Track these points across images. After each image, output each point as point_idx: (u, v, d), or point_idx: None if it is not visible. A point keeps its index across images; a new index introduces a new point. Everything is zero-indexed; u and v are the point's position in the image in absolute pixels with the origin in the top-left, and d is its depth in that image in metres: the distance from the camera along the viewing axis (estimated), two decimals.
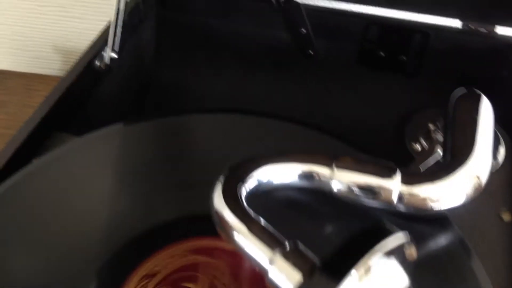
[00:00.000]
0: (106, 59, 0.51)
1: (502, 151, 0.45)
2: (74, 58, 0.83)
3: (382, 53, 0.57)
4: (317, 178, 0.35)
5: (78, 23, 0.77)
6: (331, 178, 0.35)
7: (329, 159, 0.35)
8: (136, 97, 0.60)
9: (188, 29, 0.61)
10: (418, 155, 0.44)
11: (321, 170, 0.35)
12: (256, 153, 0.35)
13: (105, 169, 0.40)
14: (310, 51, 0.59)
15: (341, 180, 0.34)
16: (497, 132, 0.46)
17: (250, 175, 0.33)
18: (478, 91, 0.40)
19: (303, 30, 0.57)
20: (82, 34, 0.79)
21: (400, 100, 0.58)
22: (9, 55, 0.81)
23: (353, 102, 0.59)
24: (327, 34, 0.58)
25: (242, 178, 0.32)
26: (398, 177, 0.34)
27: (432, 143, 0.45)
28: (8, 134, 0.69)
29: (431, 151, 0.43)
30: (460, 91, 0.41)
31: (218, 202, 0.30)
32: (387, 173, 0.34)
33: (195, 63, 0.63)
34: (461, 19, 0.55)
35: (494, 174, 0.43)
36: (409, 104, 0.58)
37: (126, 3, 0.51)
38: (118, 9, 0.50)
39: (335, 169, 0.35)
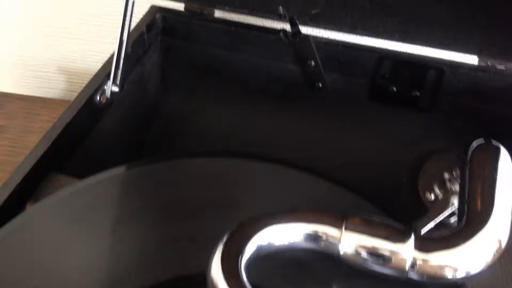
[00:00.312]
0: (108, 93, 0.49)
1: None
2: (77, 80, 0.81)
3: (394, 88, 0.55)
4: (323, 240, 0.33)
5: (81, 44, 0.76)
6: (338, 241, 0.32)
7: (337, 219, 0.33)
8: (138, 131, 0.58)
9: (195, 59, 0.60)
10: (432, 206, 0.42)
11: (328, 231, 0.33)
12: (257, 209, 0.33)
13: (103, 217, 0.38)
14: (319, 84, 0.57)
15: (350, 243, 0.32)
16: None
17: (252, 240, 0.31)
18: (496, 143, 0.38)
19: (312, 62, 0.55)
20: (86, 56, 0.77)
21: (413, 138, 0.56)
22: (9, 76, 0.79)
23: (363, 140, 0.57)
24: (338, 68, 0.56)
25: (242, 246, 0.30)
26: (411, 242, 0.32)
27: (447, 193, 0.42)
28: (10, 162, 0.68)
29: (446, 203, 0.41)
30: (476, 142, 0.39)
31: (216, 275, 0.28)
32: (400, 238, 0.32)
33: (201, 95, 0.61)
34: (478, 56, 0.52)
35: None
36: (423, 143, 0.56)
37: (129, 33, 0.49)
38: (121, 41, 0.49)
39: (344, 231, 0.33)
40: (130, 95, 0.54)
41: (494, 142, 0.38)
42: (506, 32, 0.50)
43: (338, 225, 0.33)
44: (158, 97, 0.61)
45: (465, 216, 0.34)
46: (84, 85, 0.49)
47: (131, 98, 0.55)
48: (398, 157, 0.55)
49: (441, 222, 0.42)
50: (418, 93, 0.55)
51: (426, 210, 0.42)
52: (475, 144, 0.39)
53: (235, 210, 0.38)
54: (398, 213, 0.44)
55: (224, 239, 0.31)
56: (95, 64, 0.52)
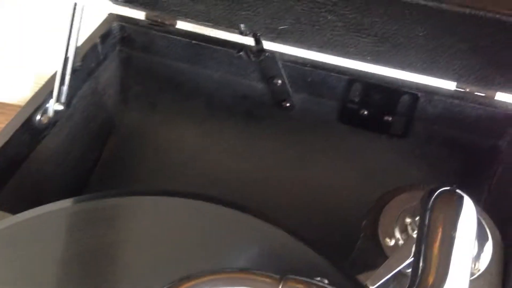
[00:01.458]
0: (50, 112, 0.46)
1: (488, 250, 0.39)
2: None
3: (365, 112, 0.51)
4: None
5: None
6: None
7: (273, 282, 0.30)
8: (91, 150, 0.55)
9: (156, 72, 0.56)
10: (391, 253, 0.38)
11: None
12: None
13: (28, 261, 0.35)
14: (286, 104, 0.53)
15: None
16: (485, 226, 0.40)
17: None
18: (460, 192, 0.34)
19: (279, 81, 0.51)
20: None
21: (381, 165, 0.53)
22: None
23: (327, 165, 0.53)
24: (306, 88, 0.52)
25: None
26: None
27: (407, 241, 0.39)
28: None
29: (406, 252, 0.38)
30: (440, 190, 0.35)
31: None
32: None
33: (162, 109, 0.58)
34: (457, 82, 0.48)
35: (475, 281, 0.38)
36: (392, 170, 0.53)
37: (76, 46, 0.45)
38: (66, 55, 0.45)
39: None
40: (81, 111, 0.51)
41: (457, 192, 0.35)
42: (486, 59, 0.46)
43: None
44: (116, 112, 0.57)
45: (417, 279, 0.31)
46: None
47: (82, 114, 0.51)
48: (364, 187, 0.52)
49: (400, 271, 0.38)
50: (390, 118, 0.51)
51: (385, 258, 0.39)
52: (438, 192, 0.35)
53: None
54: (356, 261, 0.41)
55: None
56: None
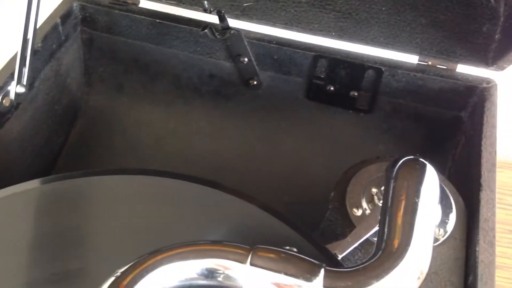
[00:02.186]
0: (12, 95, 0.44)
1: (452, 217, 0.40)
2: None
3: (331, 88, 0.52)
4: (225, 275, 0.30)
5: None
6: (241, 277, 0.29)
7: (242, 252, 0.30)
8: (56, 133, 0.54)
9: (120, 53, 0.55)
10: (358, 223, 0.39)
11: (231, 266, 0.30)
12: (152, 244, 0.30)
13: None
14: (253, 82, 0.53)
15: (253, 279, 0.29)
16: (449, 194, 0.42)
17: (143, 282, 0.27)
18: (422, 161, 0.35)
19: (245, 59, 0.51)
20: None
21: (350, 140, 0.54)
22: None
23: (296, 141, 0.54)
24: (273, 65, 0.52)
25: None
26: (319, 280, 0.29)
27: (374, 209, 0.40)
28: None
29: (372, 221, 0.38)
30: (404, 159, 0.36)
31: None
32: (308, 275, 0.29)
33: (128, 90, 0.57)
34: (419, 55, 0.49)
35: (440, 246, 0.39)
36: (360, 145, 0.54)
37: (36, 27, 0.44)
38: (25, 35, 0.44)
39: (248, 266, 0.30)
40: (44, 94, 0.50)
41: (420, 160, 0.36)
42: (447, 32, 0.47)
43: (242, 259, 0.30)
44: (81, 94, 0.56)
45: (382, 244, 0.32)
46: None
47: (45, 97, 0.50)
48: (332, 162, 0.53)
49: (367, 240, 0.39)
50: (356, 93, 0.52)
51: (353, 228, 0.40)
52: (402, 161, 0.36)
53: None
54: (325, 231, 0.41)
55: (112, 280, 0.28)
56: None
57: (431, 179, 0.35)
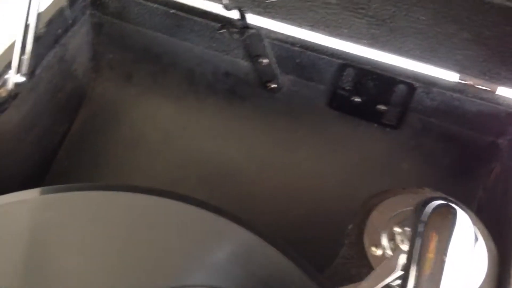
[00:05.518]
0: (10, 85, 0.41)
1: (482, 266, 0.36)
2: None
3: (357, 99, 0.47)
4: None
5: None
6: None
7: None
8: (59, 122, 0.50)
9: (131, 40, 0.51)
10: (376, 264, 0.35)
11: None
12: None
13: None
14: (272, 85, 0.49)
15: None
16: (481, 239, 0.37)
17: None
18: (454, 207, 0.31)
19: (264, 60, 0.47)
20: None
21: (370, 155, 0.49)
22: None
23: (313, 152, 0.49)
24: (295, 69, 0.47)
25: None
26: None
27: (395, 251, 0.35)
28: None
29: (392, 265, 0.34)
30: (435, 203, 0.31)
31: None
32: None
33: (138, 81, 0.53)
34: (459, 73, 0.44)
35: None
36: (381, 162, 0.49)
37: (39, 12, 0.41)
38: (26, 25, 0.40)
39: None
40: (46, 81, 0.46)
41: (452, 206, 0.31)
42: (492, 50, 0.42)
43: None
44: (88, 81, 0.53)
45: None
46: None
47: (48, 84, 0.46)
48: (351, 179, 0.49)
49: (387, 286, 0.36)
50: (383, 108, 0.47)
51: (369, 269, 0.36)
52: (433, 205, 0.32)
53: None
54: (339, 270, 0.38)
55: None
56: None
57: (465, 230, 0.31)
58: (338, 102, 0.48)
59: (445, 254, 0.29)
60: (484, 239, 0.37)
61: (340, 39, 0.45)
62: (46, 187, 0.33)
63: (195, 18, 0.47)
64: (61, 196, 0.33)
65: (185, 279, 0.31)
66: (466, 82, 0.44)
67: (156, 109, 0.54)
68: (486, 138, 0.46)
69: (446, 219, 0.30)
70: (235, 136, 0.52)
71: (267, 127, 0.51)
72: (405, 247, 0.36)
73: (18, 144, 0.46)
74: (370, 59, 0.45)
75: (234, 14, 0.45)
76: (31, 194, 0.33)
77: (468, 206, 0.36)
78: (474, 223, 0.37)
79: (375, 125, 0.49)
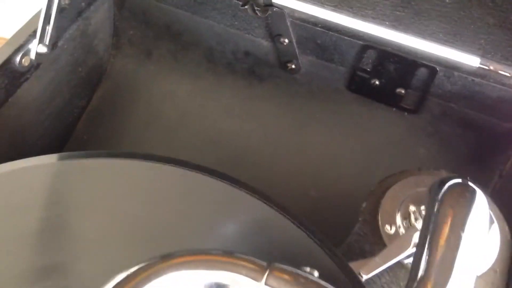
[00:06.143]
0: (32, 55, 0.41)
1: (494, 246, 0.36)
2: None
3: (376, 82, 0.47)
4: None
5: None
6: None
7: (258, 270, 0.27)
8: (78, 96, 0.51)
9: (152, 17, 0.51)
10: (390, 242, 0.35)
11: (244, 283, 0.27)
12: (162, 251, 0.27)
13: None
14: (292, 65, 0.49)
15: None
16: (495, 221, 0.37)
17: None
18: (473, 187, 0.31)
19: (286, 40, 0.47)
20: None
21: (388, 139, 0.49)
22: None
23: (330, 134, 0.50)
24: (315, 50, 0.47)
25: None
26: None
27: (409, 230, 0.36)
28: None
29: (406, 242, 0.35)
30: (452, 182, 0.31)
31: None
32: None
33: (158, 58, 0.53)
34: (480, 58, 0.44)
35: (478, 279, 0.35)
36: (399, 146, 0.49)
37: None
38: None
39: (264, 286, 0.26)
40: (68, 54, 0.47)
41: (471, 185, 0.31)
42: None
43: (257, 277, 0.27)
44: (108, 57, 0.53)
45: (417, 278, 0.28)
46: None
47: (69, 57, 0.47)
48: (367, 162, 0.49)
49: (398, 262, 0.36)
50: (403, 91, 0.47)
51: (383, 246, 0.36)
52: (449, 183, 0.32)
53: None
54: (352, 246, 0.38)
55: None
56: None
57: (481, 209, 0.30)
58: (357, 85, 0.48)
59: (462, 230, 0.29)
60: (498, 221, 0.37)
61: (364, 20, 0.44)
62: (62, 153, 0.34)
63: None
64: (77, 162, 0.33)
65: (200, 244, 0.32)
66: (489, 67, 0.44)
67: (175, 87, 0.54)
68: (505, 124, 0.46)
69: (464, 196, 0.30)
70: (252, 116, 0.52)
71: (285, 107, 0.51)
72: (419, 225, 0.36)
73: (38, 115, 0.46)
74: (392, 41, 0.45)
75: None
76: (48, 159, 0.34)
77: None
78: (489, 205, 0.37)
79: (394, 109, 0.49)
